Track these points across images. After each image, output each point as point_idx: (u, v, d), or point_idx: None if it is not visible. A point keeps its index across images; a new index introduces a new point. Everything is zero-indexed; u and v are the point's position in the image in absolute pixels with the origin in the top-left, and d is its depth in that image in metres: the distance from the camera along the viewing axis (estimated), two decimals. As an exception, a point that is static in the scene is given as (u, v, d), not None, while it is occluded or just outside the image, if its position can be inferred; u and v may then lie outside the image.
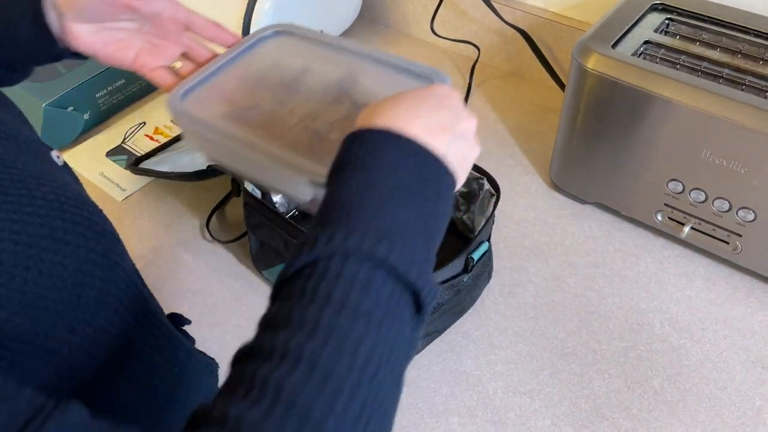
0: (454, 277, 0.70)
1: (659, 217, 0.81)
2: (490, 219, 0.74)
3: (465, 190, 0.82)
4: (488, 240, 0.76)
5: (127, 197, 0.93)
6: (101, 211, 0.47)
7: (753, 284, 0.80)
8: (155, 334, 0.52)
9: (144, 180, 0.95)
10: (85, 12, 0.58)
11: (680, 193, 0.77)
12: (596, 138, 0.80)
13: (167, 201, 0.92)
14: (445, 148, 0.41)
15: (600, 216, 0.88)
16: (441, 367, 0.73)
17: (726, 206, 0.74)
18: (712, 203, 0.75)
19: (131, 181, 0.95)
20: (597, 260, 0.83)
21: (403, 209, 0.38)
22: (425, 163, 0.40)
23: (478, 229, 0.74)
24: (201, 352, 0.61)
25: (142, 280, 0.53)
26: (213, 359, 0.64)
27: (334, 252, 0.35)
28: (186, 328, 0.69)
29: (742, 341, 0.74)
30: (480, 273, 0.75)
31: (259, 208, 0.75)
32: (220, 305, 0.79)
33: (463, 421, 0.68)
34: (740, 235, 0.75)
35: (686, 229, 0.79)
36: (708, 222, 0.77)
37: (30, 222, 0.40)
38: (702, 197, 0.76)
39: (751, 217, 0.73)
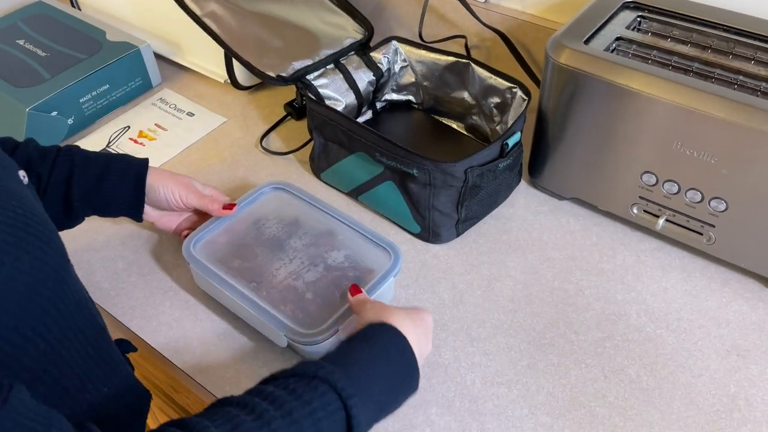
0: (491, 161, 0.80)
1: (635, 210, 0.82)
2: (522, 115, 0.83)
3: (499, 100, 0.90)
4: (521, 131, 0.84)
5: (110, 199, 0.94)
6: (57, 232, 0.52)
7: (727, 275, 0.81)
8: (89, 353, 0.55)
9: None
10: (160, 208, 0.80)
11: (654, 185, 0.78)
12: (571, 133, 0.82)
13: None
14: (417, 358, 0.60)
15: (577, 211, 0.89)
16: (419, 359, 0.73)
17: (698, 197, 0.75)
18: (685, 194, 0.76)
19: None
20: (575, 254, 0.84)
21: (379, 389, 0.55)
22: (410, 370, 0.58)
23: (511, 123, 0.84)
24: (138, 381, 0.64)
25: (90, 299, 0.57)
26: (148, 391, 0.65)
27: (327, 379, 0.52)
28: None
29: (717, 330, 0.75)
30: (513, 165, 0.85)
31: (323, 111, 0.87)
32: (193, 308, 0.80)
33: (440, 411, 0.69)
34: (713, 226, 0.77)
35: (661, 221, 0.80)
36: (682, 213, 0.78)
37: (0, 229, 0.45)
38: (675, 189, 0.77)
39: (722, 207, 0.74)
